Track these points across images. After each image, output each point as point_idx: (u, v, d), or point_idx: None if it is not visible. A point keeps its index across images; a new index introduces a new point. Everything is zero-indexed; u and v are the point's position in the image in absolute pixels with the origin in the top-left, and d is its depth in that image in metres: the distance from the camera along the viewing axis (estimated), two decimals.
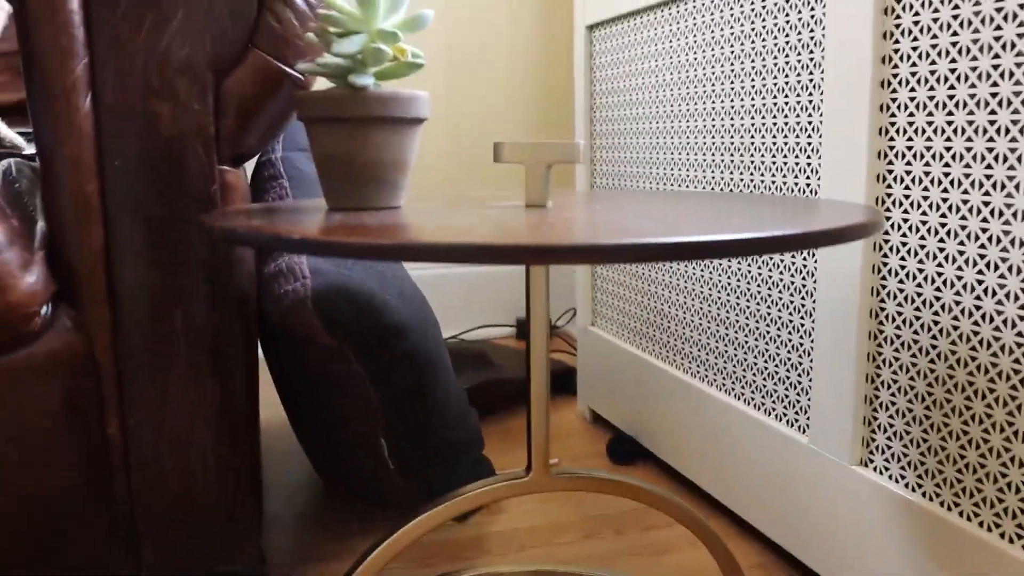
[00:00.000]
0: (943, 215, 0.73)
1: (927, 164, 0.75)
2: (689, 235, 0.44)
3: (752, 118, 0.99)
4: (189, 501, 0.80)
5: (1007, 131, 0.67)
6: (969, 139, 0.70)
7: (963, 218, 0.71)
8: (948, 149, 0.72)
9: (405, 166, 0.66)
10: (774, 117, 0.95)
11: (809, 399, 0.93)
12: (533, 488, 0.73)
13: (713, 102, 1.07)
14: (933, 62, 0.73)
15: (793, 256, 0.94)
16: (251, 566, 0.84)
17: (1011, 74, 0.66)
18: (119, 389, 0.77)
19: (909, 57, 0.76)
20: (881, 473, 0.83)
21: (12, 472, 0.75)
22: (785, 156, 0.94)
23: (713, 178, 1.08)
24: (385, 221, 0.55)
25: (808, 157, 0.90)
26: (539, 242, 0.42)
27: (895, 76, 0.77)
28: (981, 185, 0.70)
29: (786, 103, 0.93)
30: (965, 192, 0.71)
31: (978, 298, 0.70)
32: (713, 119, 1.07)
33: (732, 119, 1.03)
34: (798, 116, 0.91)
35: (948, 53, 0.72)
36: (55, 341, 0.74)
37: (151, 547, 0.79)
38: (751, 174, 1.00)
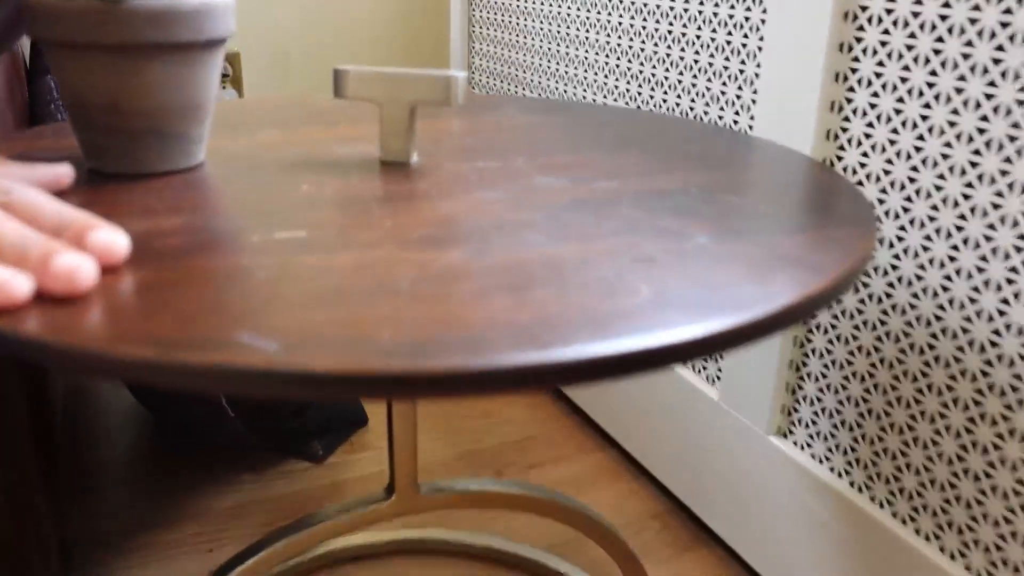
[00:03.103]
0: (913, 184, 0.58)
1: (895, 130, 0.59)
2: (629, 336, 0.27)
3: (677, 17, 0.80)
4: None
5: (984, 70, 0.51)
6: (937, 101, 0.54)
7: (939, 187, 0.57)
8: (925, 113, 0.56)
9: (200, 109, 0.45)
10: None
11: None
12: (398, 511, 0.58)
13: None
14: None
15: None
16: None
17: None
18: None
19: None
20: (803, 449, 0.72)
21: None
22: (714, 55, 0.76)
23: (610, 86, 0.89)
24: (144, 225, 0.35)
25: (744, 63, 0.72)
26: (392, 371, 0.24)
27: None
28: (963, 172, 0.54)
29: None
30: (941, 176, 0.56)
31: (916, 287, 0.57)
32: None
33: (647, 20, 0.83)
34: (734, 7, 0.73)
35: None
36: None
37: None
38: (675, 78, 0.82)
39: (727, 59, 0.74)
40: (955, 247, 0.56)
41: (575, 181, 0.46)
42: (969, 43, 0.53)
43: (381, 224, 0.37)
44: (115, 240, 0.32)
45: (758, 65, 0.71)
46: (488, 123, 0.61)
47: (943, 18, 0.54)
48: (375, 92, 0.47)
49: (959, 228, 0.56)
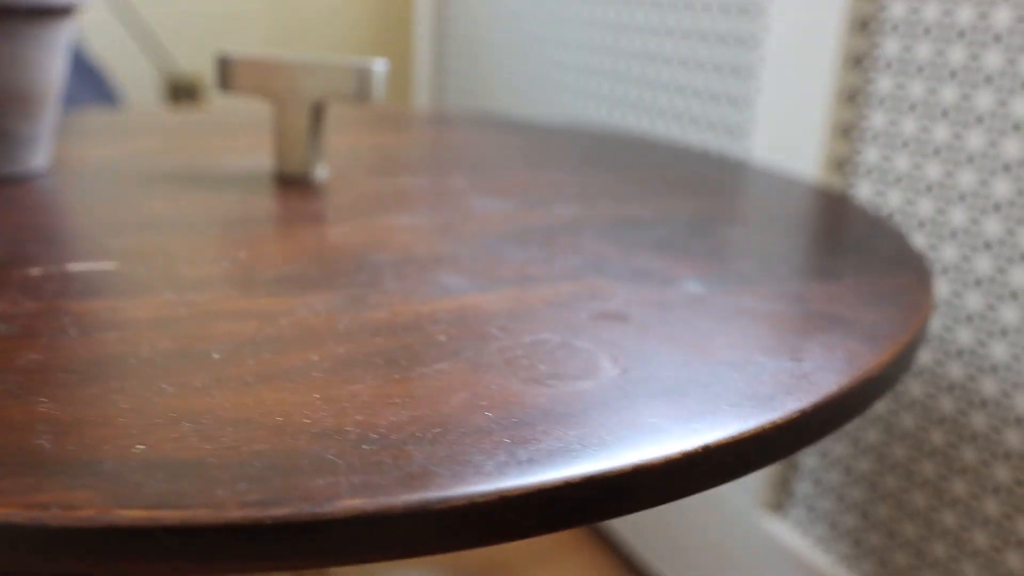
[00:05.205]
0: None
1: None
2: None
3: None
4: None
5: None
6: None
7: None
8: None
9: (30, 101, 0.34)
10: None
11: None
12: None
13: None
14: None
15: None
16: None
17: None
18: None
19: None
20: (799, 531, 0.61)
21: None
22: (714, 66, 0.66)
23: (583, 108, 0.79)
24: None
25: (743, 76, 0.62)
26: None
27: None
28: (1006, 209, 0.44)
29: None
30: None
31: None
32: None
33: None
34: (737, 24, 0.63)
35: None
36: None
37: None
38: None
39: (719, 78, 0.64)
40: (996, 299, 0.46)
41: (523, 205, 0.35)
42: (1013, 55, 0.43)
43: (231, 255, 0.26)
44: None
45: (756, 86, 0.61)
46: (427, 135, 0.50)
47: (980, 25, 0.45)
48: (269, 85, 0.36)
49: (999, 276, 0.45)
